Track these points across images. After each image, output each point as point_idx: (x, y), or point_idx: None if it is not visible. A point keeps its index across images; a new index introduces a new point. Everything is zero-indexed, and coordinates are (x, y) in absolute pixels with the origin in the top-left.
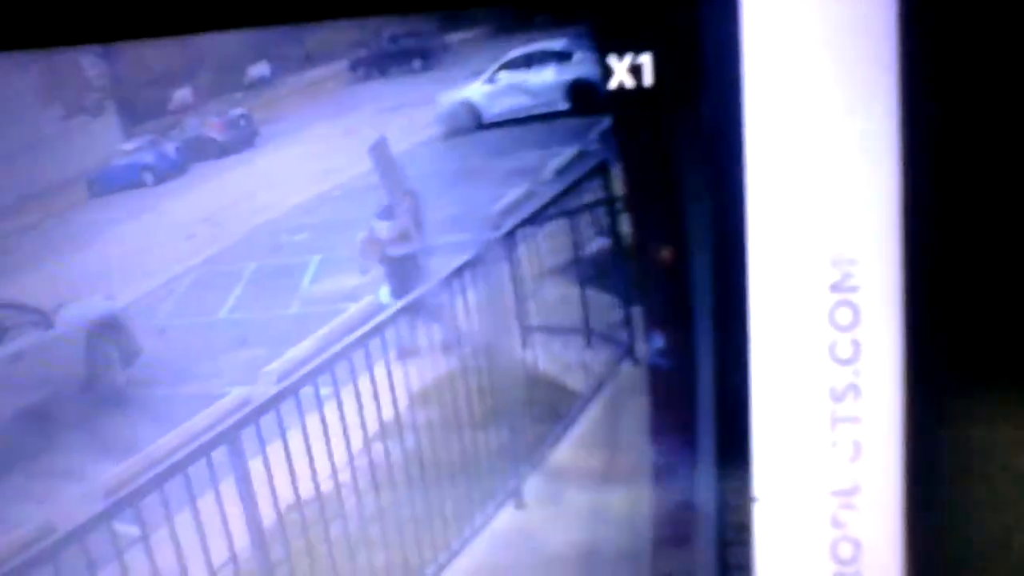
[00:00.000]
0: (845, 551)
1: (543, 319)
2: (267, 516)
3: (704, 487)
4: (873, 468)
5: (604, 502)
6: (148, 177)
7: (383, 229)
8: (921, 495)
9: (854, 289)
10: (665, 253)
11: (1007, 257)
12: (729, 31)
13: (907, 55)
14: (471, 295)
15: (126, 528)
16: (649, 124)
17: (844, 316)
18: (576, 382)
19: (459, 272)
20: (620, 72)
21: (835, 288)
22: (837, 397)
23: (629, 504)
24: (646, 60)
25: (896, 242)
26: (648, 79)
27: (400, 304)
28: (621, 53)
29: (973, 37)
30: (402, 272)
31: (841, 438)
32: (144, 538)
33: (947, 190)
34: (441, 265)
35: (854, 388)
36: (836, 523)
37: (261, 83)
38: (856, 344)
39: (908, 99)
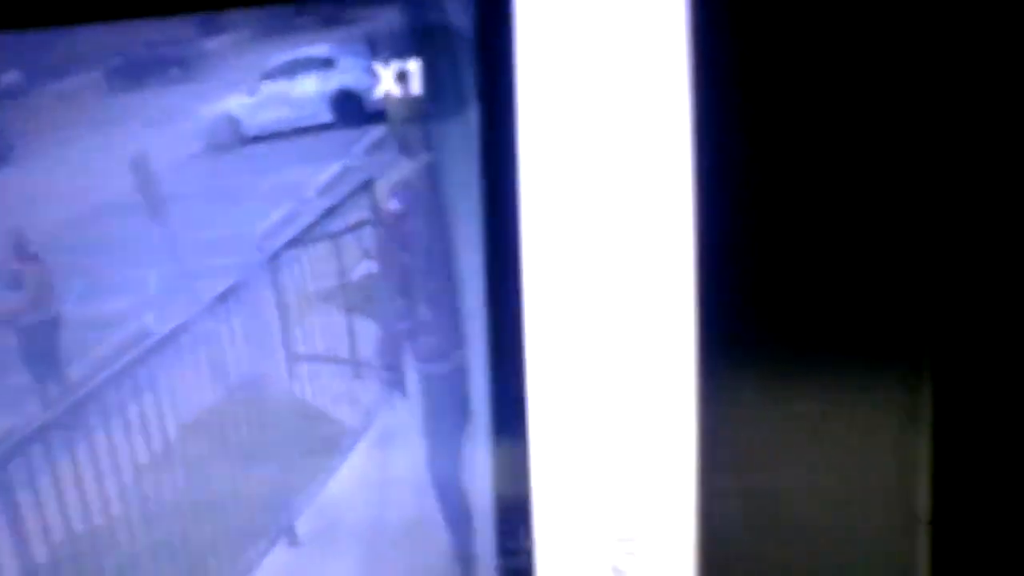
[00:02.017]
0: None
1: (310, 348)
2: (39, 552)
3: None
4: (659, 514)
5: (379, 538)
6: None
7: (10, 301)
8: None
9: (638, 330)
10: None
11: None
12: (502, 36)
13: (700, 84)
14: (236, 322)
15: None
16: (418, 135)
17: (629, 352)
18: (346, 415)
19: (223, 298)
20: (387, 80)
21: (618, 323)
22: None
23: (405, 539)
24: (414, 67)
25: (687, 273)
26: (416, 87)
27: (166, 331)
28: (387, 59)
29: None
30: (38, 340)
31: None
32: None
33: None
34: (206, 290)
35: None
36: None
37: (13, 91)
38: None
39: (701, 118)
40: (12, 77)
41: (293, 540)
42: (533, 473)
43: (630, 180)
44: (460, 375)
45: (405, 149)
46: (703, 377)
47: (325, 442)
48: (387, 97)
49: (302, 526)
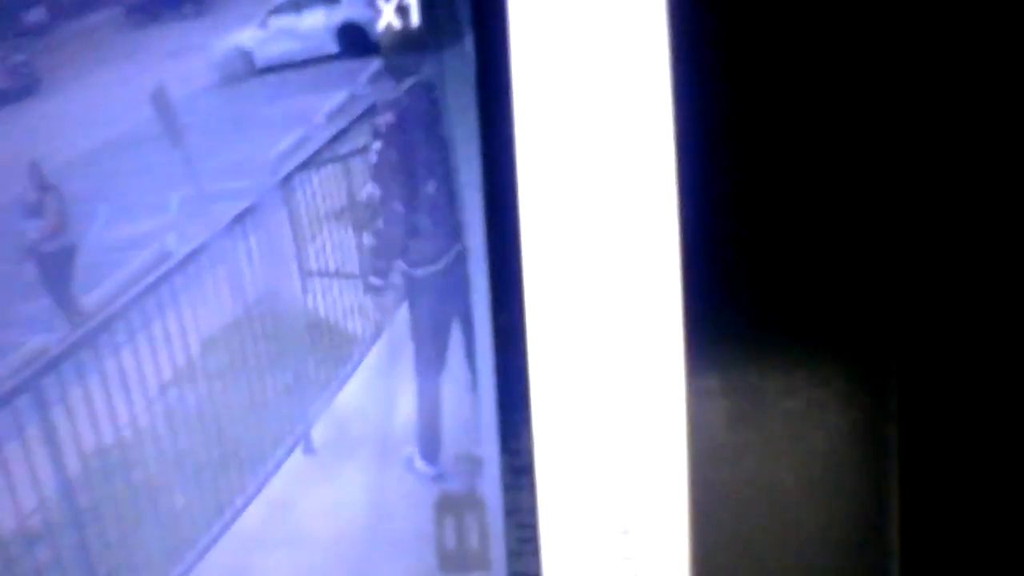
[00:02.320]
0: None
1: (322, 265)
2: (72, 463)
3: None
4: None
5: (389, 449)
6: None
7: (32, 229)
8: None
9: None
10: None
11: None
12: None
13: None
14: (253, 241)
15: None
16: (417, 66)
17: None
18: (356, 327)
19: (240, 219)
20: (387, 13)
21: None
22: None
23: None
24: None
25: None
26: (415, 19)
27: (186, 252)
28: None
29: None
30: (58, 266)
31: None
32: None
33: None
34: (223, 212)
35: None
36: None
37: (39, 28)
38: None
39: (681, 54)
40: (37, 15)
41: (309, 448)
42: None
43: (616, 115)
44: (449, 275)
45: (404, 77)
46: (690, 374)
47: (337, 352)
48: (388, 29)
49: (317, 434)
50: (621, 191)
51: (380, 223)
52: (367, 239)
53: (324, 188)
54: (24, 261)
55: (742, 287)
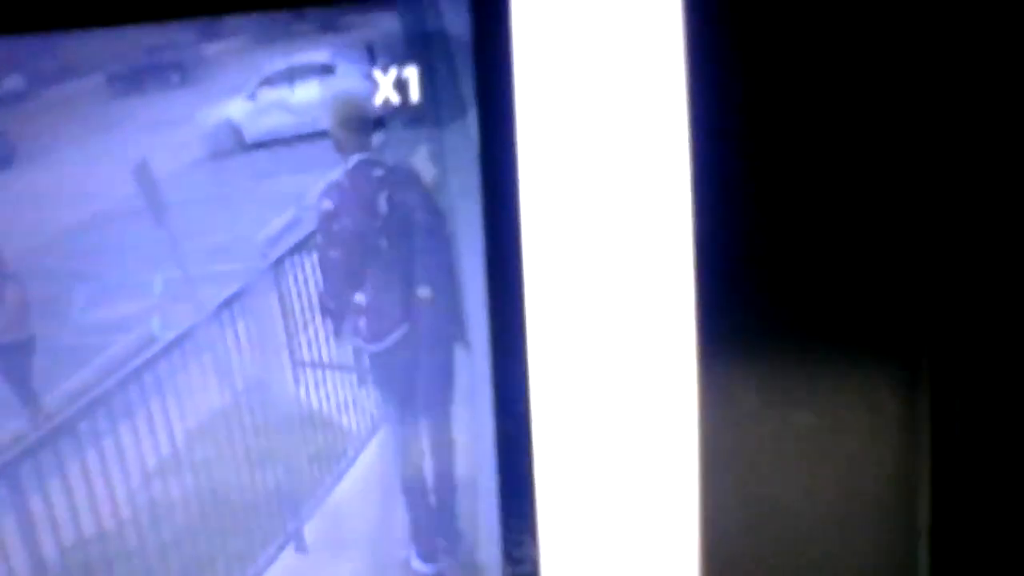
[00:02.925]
0: None
1: (315, 355)
2: (50, 555)
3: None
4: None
5: (385, 545)
6: None
7: None
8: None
9: (638, 334)
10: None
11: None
12: (500, 41)
13: (695, 76)
14: (241, 328)
15: None
16: (416, 143)
17: (630, 362)
18: (351, 421)
19: (228, 304)
20: (385, 87)
21: (618, 329)
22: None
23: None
24: (412, 74)
25: (688, 285)
26: (415, 94)
27: (171, 337)
28: (386, 66)
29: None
30: (14, 360)
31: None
32: None
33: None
34: (211, 296)
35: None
36: None
37: (15, 96)
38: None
39: (698, 119)
40: (14, 81)
41: (301, 546)
42: (538, 480)
43: (628, 186)
44: (396, 354)
45: (350, 155)
46: (704, 387)
47: (331, 448)
48: (386, 103)
49: (310, 532)
50: (632, 281)
51: (329, 303)
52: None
53: (317, 273)
54: None
55: (759, 299)
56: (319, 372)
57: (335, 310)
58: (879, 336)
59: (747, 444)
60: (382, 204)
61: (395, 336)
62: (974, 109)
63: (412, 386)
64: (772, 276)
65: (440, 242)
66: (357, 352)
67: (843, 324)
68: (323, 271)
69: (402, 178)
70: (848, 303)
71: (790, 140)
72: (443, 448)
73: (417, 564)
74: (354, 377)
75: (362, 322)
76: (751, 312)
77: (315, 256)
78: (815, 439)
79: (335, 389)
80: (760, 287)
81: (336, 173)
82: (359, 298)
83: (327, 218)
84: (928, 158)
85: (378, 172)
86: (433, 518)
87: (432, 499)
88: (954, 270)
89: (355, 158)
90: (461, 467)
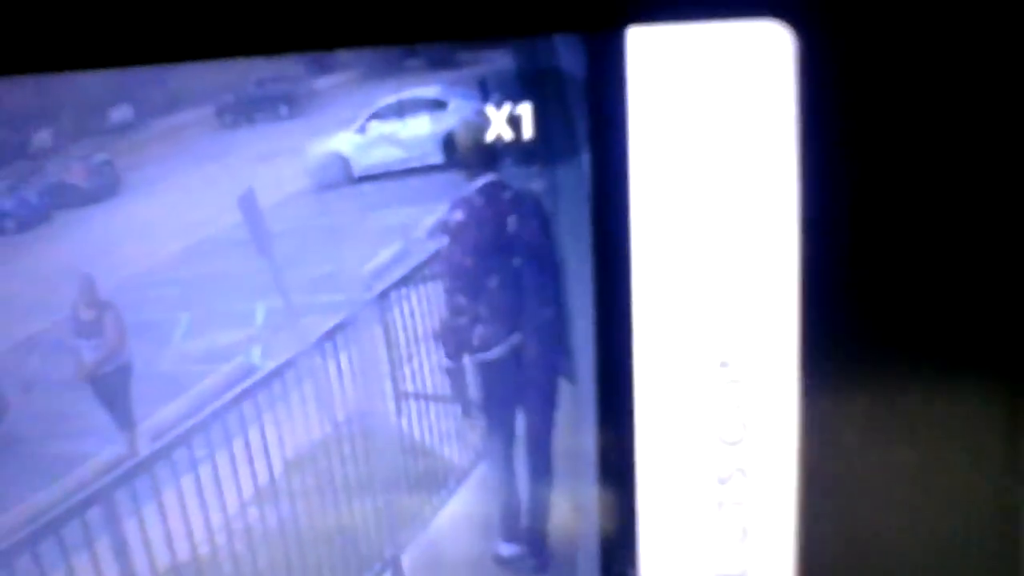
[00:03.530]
0: None
1: (418, 386)
2: None
3: (588, 567)
4: (760, 553)
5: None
6: (9, 224)
7: (87, 349)
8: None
9: (742, 367)
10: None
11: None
12: (614, 82)
13: (808, 126)
14: (344, 359)
15: None
16: (529, 180)
17: (733, 396)
18: (453, 453)
19: (330, 335)
20: (498, 123)
21: (724, 365)
22: (723, 480)
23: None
24: (525, 111)
25: (792, 320)
26: (528, 131)
27: (271, 367)
28: (499, 102)
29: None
30: (113, 386)
31: (728, 522)
32: None
33: (843, 265)
34: (313, 327)
35: (741, 471)
36: None
37: (124, 127)
38: (744, 426)
39: (808, 166)
40: (123, 113)
41: (398, 573)
42: (640, 513)
43: (737, 232)
44: (507, 362)
45: (477, 176)
46: (805, 420)
47: (432, 479)
48: (498, 140)
49: (407, 560)
50: (738, 321)
51: (445, 312)
52: (435, 326)
53: (423, 306)
54: (81, 380)
55: (862, 336)
56: (422, 403)
57: (453, 320)
58: (981, 375)
59: (848, 481)
60: (510, 224)
61: (507, 345)
62: None
63: (517, 400)
64: (876, 314)
65: (557, 264)
66: (461, 375)
67: (946, 363)
68: (447, 280)
69: (528, 203)
70: (952, 342)
71: (896, 175)
72: (542, 458)
73: (503, 548)
74: (458, 409)
75: (478, 330)
76: (854, 349)
77: (438, 267)
78: (916, 477)
79: (438, 421)
80: (864, 325)
81: (460, 192)
82: (481, 308)
83: (456, 230)
84: None
85: (507, 194)
86: (516, 500)
87: (516, 484)
88: None
89: (484, 178)
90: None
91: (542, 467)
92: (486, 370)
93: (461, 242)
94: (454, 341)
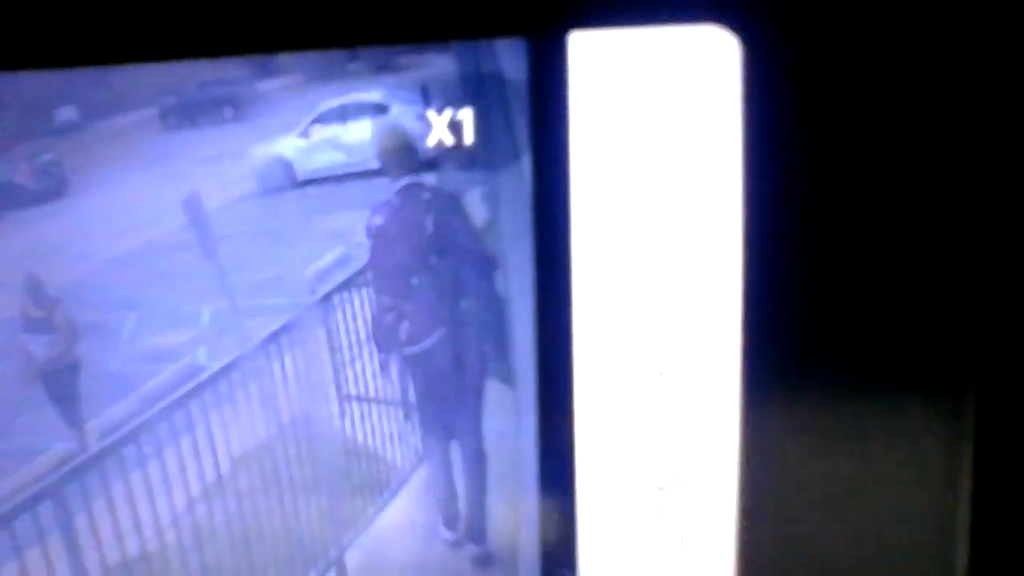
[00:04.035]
0: None
1: (361, 389)
2: (94, 572)
3: (528, 568)
4: (698, 560)
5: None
6: None
7: (37, 346)
8: None
9: (680, 375)
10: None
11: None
12: (556, 86)
13: (752, 132)
14: (288, 361)
15: None
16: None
17: (671, 406)
18: (395, 455)
19: (275, 337)
20: (439, 128)
21: (662, 374)
22: (661, 488)
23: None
24: (467, 116)
25: (734, 329)
26: (469, 136)
27: (217, 368)
28: (440, 107)
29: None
30: (63, 383)
31: (667, 529)
32: None
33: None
34: (258, 329)
35: (679, 480)
36: None
37: (69, 128)
38: (684, 434)
39: (753, 173)
40: (68, 113)
41: (342, 572)
42: (579, 523)
43: (679, 239)
44: (435, 354)
45: (399, 178)
46: (746, 429)
47: (374, 480)
48: (439, 145)
49: (351, 559)
50: (680, 325)
51: (374, 310)
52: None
53: (364, 310)
54: (32, 377)
55: (803, 348)
56: (365, 406)
57: (381, 318)
58: (924, 389)
59: (788, 491)
60: (428, 224)
61: (432, 339)
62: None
63: (446, 390)
64: (819, 325)
65: (478, 263)
66: (395, 371)
67: (888, 376)
68: (374, 280)
69: (447, 203)
70: (894, 355)
71: (840, 182)
72: (472, 450)
73: (442, 531)
74: (399, 411)
75: (405, 326)
76: (797, 360)
77: (366, 267)
78: (857, 488)
79: (380, 423)
80: (807, 335)
81: (385, 195)
82: (406, 305)
83: (377, 233)
84: (974, 200)
85: (426, 195)
86: (453, 487)
87: (452, 471)
88: (1001, 321)
89: (404, 181)
90: (492, 463)
91: (474, 462)
92: (415, 364)
93: (383, 243)
94: (384, 338)
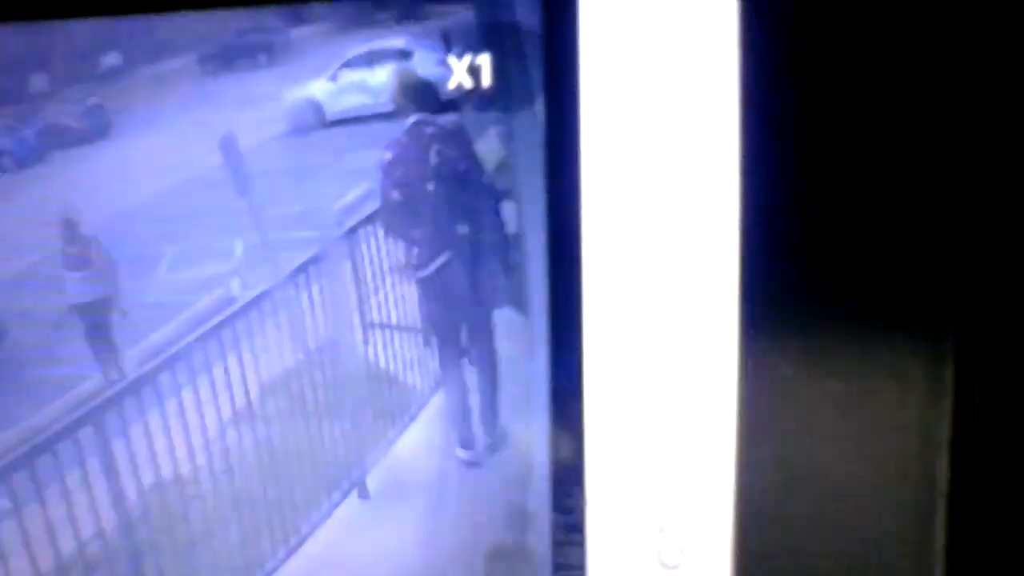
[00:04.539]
0: None
1: (384, 317)
2: (131, 496)
3: (541, 488)
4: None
5: (443, 499)
6: (7, 162)
7: (74, 282)
8: None
9: (683, 312)
10: None
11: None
12: (568, 35)
13: (751, 79)
14: (315, 291)
15: None
16: (486, 126)
17: (676, 341)
18: (415, 379)
19: (303, 268)
20: (459, 72)
21: (669, 310)
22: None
23: (467, 502)
24: (484, 61)
25: (732, 272)
26: (487, 80)
27: (249, 297)
28: (460, 53)
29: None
30: (96, 317)
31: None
32: (15, 511)
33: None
34: (287, 261)
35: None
36: None
37: (114, 73)
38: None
39: (750, 122)
40: (113, 59)
41: (364, 493)
42: (587, 442)
43: (681, 176)
44: (440, 277)
45: (407, 116)
46: (744, 356)
47: (395, 403)
48: (459, 88)
49: (372, 481)
50: (680, 260)
51: (389, 238)
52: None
53: (388, 243)
54: (69, 309)
55: (796, 276)
56: (388, 333)
57: (395, 243)
58: (908, 313)
59: (784, 409)
60: (432, 156)
61: (437, 263)
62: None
63: (457, 313)
64: (810, 258)
65: (479, 190)
66: (411, 293)
67: (875, 302)
68: (385, 210)
69: (450, 137)
70: (880, 283)
71: (831, 125)
72: (485, 374)
73: (459, 451)
74: (419, 338)
75: (415, 251)
76: (790, 290)
77: (379, 199)
78: (846, 406)
79: (402, 350)
80: (799, 269)
81: (391, 132)
82: (415, 232)
83: (386, 166)
84: (958, 142)
85: (429, 130)
86: (468, 407)
87: (467, 392)
88: (981, 251)
89: (412, 118)
90: (504, 378)
91: (488, 385)
92: (427, 287)
93: (392, 176)
94: (399, 262)
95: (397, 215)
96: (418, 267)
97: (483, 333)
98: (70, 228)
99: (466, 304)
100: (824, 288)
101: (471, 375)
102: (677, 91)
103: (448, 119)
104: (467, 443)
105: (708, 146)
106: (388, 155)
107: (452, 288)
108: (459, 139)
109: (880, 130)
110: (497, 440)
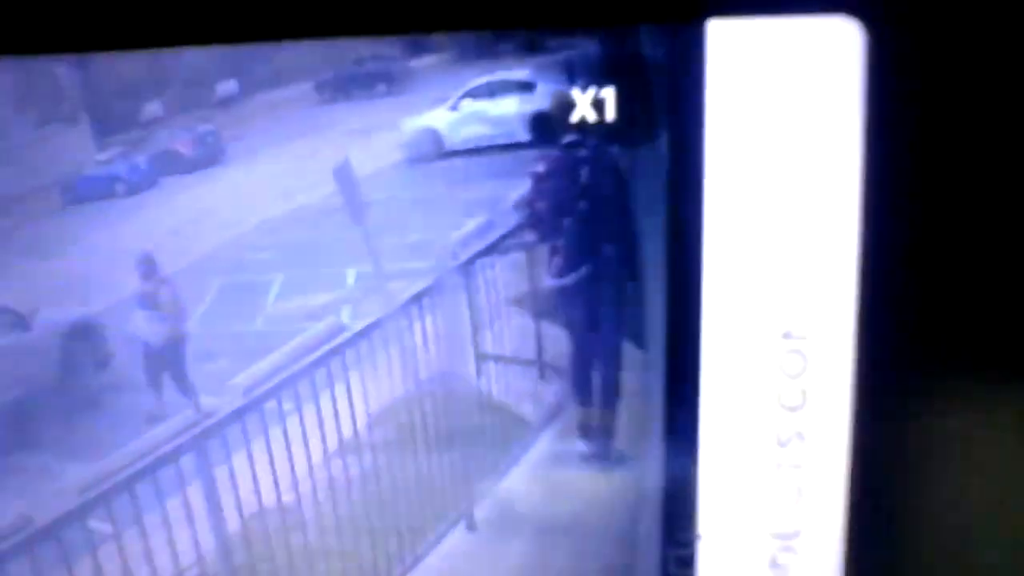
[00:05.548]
0: None
1: (498, 349)
2: (232, 522)
3: (650, 522)
4: (814, 513)
5: (552, 531)
6: (120, 188)
7: (144, 320)
8: (860, 540)
9: (803, 338)
10: None
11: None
12: (693, 70)
13: (874, 117)
14: (428, 322)
15: (99, 525)
16: (609, 160)
17: (793, 364)
18: (528, 412)
19: (417, 299)
20: (582, 105)
21: (787, 336)
22: (782, 443)
23: (576, 535)
24: (609, 94)
25: (850, 295)
26: (610, 114)
27: (360, 327)
28: (584, 86)
29: (943, 98)
30: (166, 362)
31: (785, 483)
32: (116, 536)
33: (903, 239)
34: (400, 291)
35: (799, 435)
36: (775, 565)
37: (229, 100)
38: (803, 392)
39: (872, 155)
40: (229, 87)
41: (471, 524)
42: (701, 467)
43: (803, 215)
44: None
45: (561, 137)
46: (859, 394)
47: (507, 436)
48: (581, 122)
49: (480, 512)
50: (799, 295)
51: (531, 246)
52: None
53: (505, 275)
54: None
55: (918, 316)
56: (502, 365)
57: (535, 253)
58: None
59: (898, 447)
60: (584, 174)
61: (574, 276)
62: None
63: (591, 325)
64: (934, 293)
65: (621, 219)
66: (544, 301)
67: (998, 344)
68: (533, 219)
69: (600, 159)
70: (1000, 320)
71: (960, 168)
72: (611, 365)
73: (580, 445)
74: (535, 370)
75: (555, 260)
76: (912, 327)
77: (525, 205)
78: (965, 446)
79: (516, 381)
80: (922, 304)
81: (527, 165)
82: (557, 242)
83: (539, 177)
84: None
85: (582, 152)
86: (591, 398)
87: (593, 387)
88: None
89: (567, 139)
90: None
91: (611, 386)
92: (562, 294)
93: (540, 188)
94: (536, 272)
95: (544, 223)
96: (556, 275)
97: (611, 346)
98: (145, 267)
99: (591, 323)
100: (947, 332)
101: (597, 380)
102: (801, 128)
103: (596, 145)
104: (586, 432)
105: (831, 187)
106: (541, 167)
107: (587, 298)
108: (610, 161)
109: (1014, 178)
110: (612, 437)
